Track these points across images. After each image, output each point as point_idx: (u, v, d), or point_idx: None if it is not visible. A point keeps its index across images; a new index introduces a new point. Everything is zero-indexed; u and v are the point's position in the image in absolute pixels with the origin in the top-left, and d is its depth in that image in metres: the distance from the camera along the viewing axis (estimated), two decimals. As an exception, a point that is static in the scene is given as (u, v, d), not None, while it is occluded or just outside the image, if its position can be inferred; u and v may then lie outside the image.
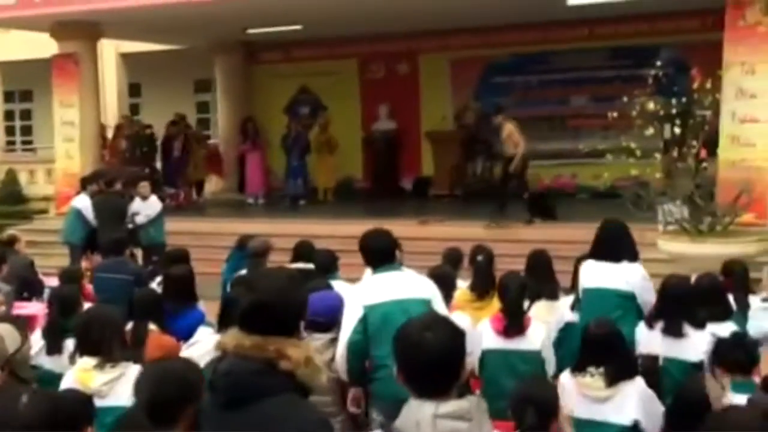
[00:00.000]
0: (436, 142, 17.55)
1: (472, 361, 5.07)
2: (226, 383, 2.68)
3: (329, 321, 5.10)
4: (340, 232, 11.48)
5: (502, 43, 17.17)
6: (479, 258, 6.48)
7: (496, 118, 13.54)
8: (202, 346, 4.86)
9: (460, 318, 5.08)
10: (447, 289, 5.51)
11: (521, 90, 17.36)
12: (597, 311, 5.61)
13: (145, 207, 11.51)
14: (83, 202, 11.73)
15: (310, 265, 6.89)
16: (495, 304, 5.83)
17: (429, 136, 17.71)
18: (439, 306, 4.95)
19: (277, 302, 2.78)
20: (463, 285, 6.44)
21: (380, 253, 5.05)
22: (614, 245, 6.04)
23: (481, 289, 6.27)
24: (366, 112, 18.44)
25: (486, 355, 5.40)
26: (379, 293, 4.86)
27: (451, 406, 2.54)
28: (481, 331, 5.45)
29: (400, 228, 9.23)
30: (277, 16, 14.79)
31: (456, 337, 2.70)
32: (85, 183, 12.19)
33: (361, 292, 4.99)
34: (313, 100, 19.18)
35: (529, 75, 17.24)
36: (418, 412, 2.52)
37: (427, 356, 2.61)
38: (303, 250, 7.34)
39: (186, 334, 5.68)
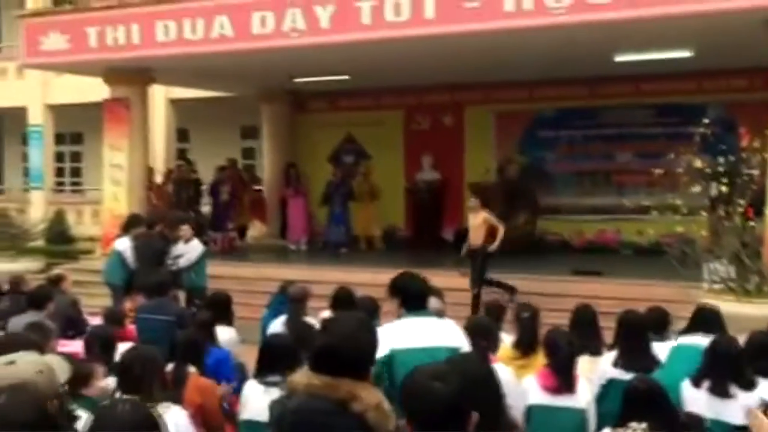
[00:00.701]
0: (478, 194, 17.51)
1: (515, 415, 5.00)
2: (295, 421, 2.72)
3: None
4: (380, 280, 11.37)
5: (548, 98, 17.22)
6: (525, 315, 6.43)
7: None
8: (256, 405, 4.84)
9: (502, 370, 5.04)
10: (488, 340, 5.46)
11: (566, 144, 17.36)
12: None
13: (188, 250, 11.60)
14: (124, 245, 11.84)
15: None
16: (539, 359, 5.78)
17: (472, 188, 17.69)
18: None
19: (349, 345, 2.86)
20: (505, 338, 6.39)
21: (412, 296, 4.86)
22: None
23: (526, 346, 6.20)
24: (410, 162, 18.52)
25: (532, 411, 5.35)
26: (408, 338, 4.69)
27: None
28: (526, 387, 5.41)
29: (441, 279, 9.25)
30: (325, 66, 14.99)
31: (465, 386, 2.70)
32: (128, 226, 12.31)
33: (390, 334, 4.73)
34: (358, 149, 19.33)
35: (575, 130, 17.23)
36: None
37: (436, 405, 2.61)
38: (342, 296, 7.34)
39: (212, 372, 5.87)
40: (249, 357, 6.80)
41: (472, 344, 4.81)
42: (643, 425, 4.42)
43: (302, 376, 2.88)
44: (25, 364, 2.88)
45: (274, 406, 2.80)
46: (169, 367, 5.45)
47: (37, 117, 23.47)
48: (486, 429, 2.91)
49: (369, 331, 3.02)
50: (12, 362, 2.87)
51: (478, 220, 12.74)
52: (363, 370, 2.89)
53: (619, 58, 13.75)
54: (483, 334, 5.27)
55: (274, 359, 5.37)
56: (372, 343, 2.99)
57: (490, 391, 3.28)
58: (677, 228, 10.96)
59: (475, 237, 12.61)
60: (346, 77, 16.14)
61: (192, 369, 5.65)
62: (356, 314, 3.33)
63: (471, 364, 3.48)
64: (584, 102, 16.89)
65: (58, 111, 23.09)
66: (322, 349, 2.89)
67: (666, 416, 4.56)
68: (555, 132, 17.42)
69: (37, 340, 4.31)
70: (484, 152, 17.92)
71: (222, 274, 13.05)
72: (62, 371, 2.99)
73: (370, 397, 2.82)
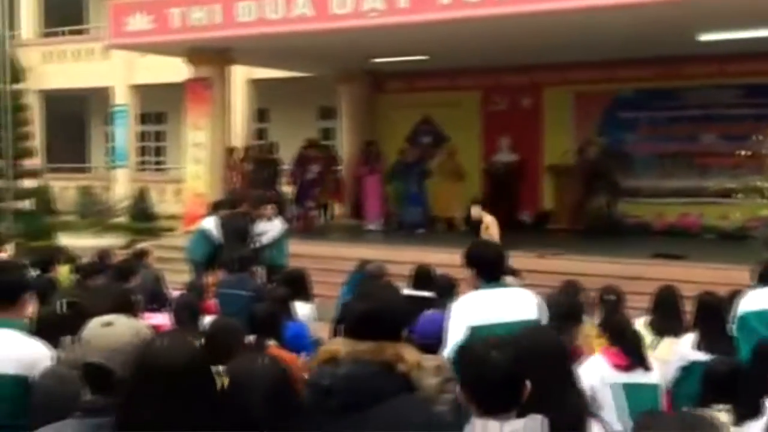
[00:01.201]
0: (557, 176, 17.40)
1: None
2: (348, 387, 2.77)
3: (439, 343, 5.09)
4: (457, 261, 11.45)
5: (629, 78, 16.91)
6: (610, 297, 6.39)
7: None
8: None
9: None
10: (572, 318, 5.43)
11: (647, 126, 17.04)
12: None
13: (269, 228, 11.80)
14: (210, 223, 12.15)
15: (426, 293, 6.92)
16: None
17: (550, 170, 17.56)
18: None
19: (389, 310, 3.03)
20: (588, 321, 6.36)
21: (488, 264, 4.76)
22: None
23: (609, 326, 6.12)
24: (487, 144, 18.42)
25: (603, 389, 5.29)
26: (485, 313, 4.59)
27: (515, 425, 2.56)
28: (594, 365, 5.37)
29: (518, 260, 9.20)
30: (403, 46, 14.99)
31: (521, 358, 2.78)
32: (216, 207, 12.67)
33: (466, 310, 4.69)
34: (435, 130, 19.28)
35: (656, 110, 16.90)
36: (483, 431, 2.55)
37: (493, 375, 2.68)
38: (421, 274, 7.37)
39: (290, 346, 5.96)
40: (325, 334, 6.91)
41: (552, 322, 4.79)
42: (727, 407, 4.36)
43: (342, 344, 2.97)
44: (122, 326, 2.92)
45: (323, 373, 2.89)
46: (249, 339, 5.54)
47: (121, 97, 24.02)
48: (552, 403, 2.95)
49: (402, 298, 3.29)
50: (110, 323, 2.92)
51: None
52: (400, 332, 3.05)
53: (703, 37, 13.43)
54: (566, 314, 5.23)
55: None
56: (406, 308, 3.24)
57: (560, 366, 3.29)
58: (763, 212, 10.70)
59: None
60: (424, 57, 16.10)
61: (271, 341, 5.75)
62: (387, 282, 3.53)
63: (544, 336, 3.53)
64: (666, 82, 16.54)
65: (142, 91, 23.58)
66: (365, 314, 3.00)
67: (749, 399, 4.49)
68: (635, 113, 17.11)
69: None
70: (563, 133, 17.71)
71: (301, 253, 13.20)
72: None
73: (412, 356, 2.93)
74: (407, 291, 7.39)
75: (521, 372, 2.74)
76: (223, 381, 3.07)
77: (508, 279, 5.39)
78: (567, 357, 3.36)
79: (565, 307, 5.71)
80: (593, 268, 12.21)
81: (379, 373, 2.79)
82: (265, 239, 11.66)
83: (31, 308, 4.13)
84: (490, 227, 12.68)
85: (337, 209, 19.18)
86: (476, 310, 4.65)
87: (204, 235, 12.05)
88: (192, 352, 2.61)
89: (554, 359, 3.25)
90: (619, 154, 16.97)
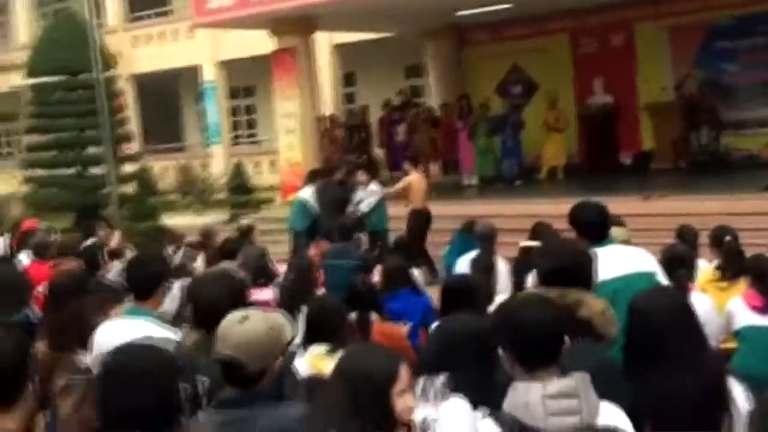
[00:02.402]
0: (656, 114, 16.85)
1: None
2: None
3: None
4: (560, 211, 11.23)
5: (724, 5, 16.19)
6: (728, 239, 6.12)
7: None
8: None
9: (701, 300, 4.82)
10: (686, 268, 5.23)
11: (747, 53, 16.33)
12: None
13: (367, 195, 11.77)
14: (308, 194, 12.19)
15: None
16: (741, 284, 5.51)
17: (648, 109, 17.02)
18: (663, 280, 4.63)
19: (576, 262, 3.48)
20: (702, 264, 6.11)
21: (589, 226, 4.62)
22: None
23: (733, 271, 5.88)
24: (579, 88, 17.95)
25: (743, 332, 5.18)
26: (603, 270, 4.31)
27: (558, 385, 2.55)
28: (732, 309, 5.24)
29: (621, 205, 8.97)
30: (486, -5, 14.70)
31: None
32: (312, 176, 12.70)
33: None
34: (525, 78, 18.91)
35: (757, 37, 16.16)
36: (526, 394, 2.54)
37: (532, 333, 2.71)
38: (540, 230, 7.28)
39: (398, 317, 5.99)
40: (435, 297, 6.84)
41: (669, 274, 4.60)
42: None
43: (536, 290, 3.42)
44: (256, 320, 3.01)
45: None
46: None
47: (209, 74, 24.33)
48: (687, 358, 2.97)
49: (584, 252, 3.64)
50: (246, 318, 3.01)
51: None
52: (588, 281, 3.43)
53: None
54: (681, 263, 5.03)
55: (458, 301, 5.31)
56: (591, 258, 3.58)
57: (690, 325, 3.16)
58: None
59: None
60: (509, 5, 15.75)
61: (373, 316, 5.70)
62: (571, 239, 4.09)
63: (670, 296, 3.44)
64: (765, 6, 15.77)
65: (229, 66, 23.83)
66: (554, 267, 3.44)
67: None
68: (735, 41, 16.40)
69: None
70: (658, 70, 17.12)
71: (399, 215, 13.15)
72: (288, 329, 3.10)
73: (596, 304, 3.26)
74: (523, 243, 7.30)
75: (559, 329, 2.79)
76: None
77: (615, 231, 5.18)
78: (695, 316, 3.19)
79: (675, 252, 5.50)
80: (701, 207, 11.77)
81: (560, 317, 2.90)
82: (364, 206, 11.64)
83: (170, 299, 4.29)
84: (412, 185, 12.22)
85: (433, 168, 19.02)
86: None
87: (302, 205, 12.10)
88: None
89: (684, 320, 3.12)
90: (719, 86, 16.32)
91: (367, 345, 4.01)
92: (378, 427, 2.51)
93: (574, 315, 3.12)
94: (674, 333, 3.01)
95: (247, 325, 2.99)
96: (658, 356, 2.99)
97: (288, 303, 5.89)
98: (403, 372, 2.57)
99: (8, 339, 2.76)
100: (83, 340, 4.36)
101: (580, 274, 3.42)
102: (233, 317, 3.07)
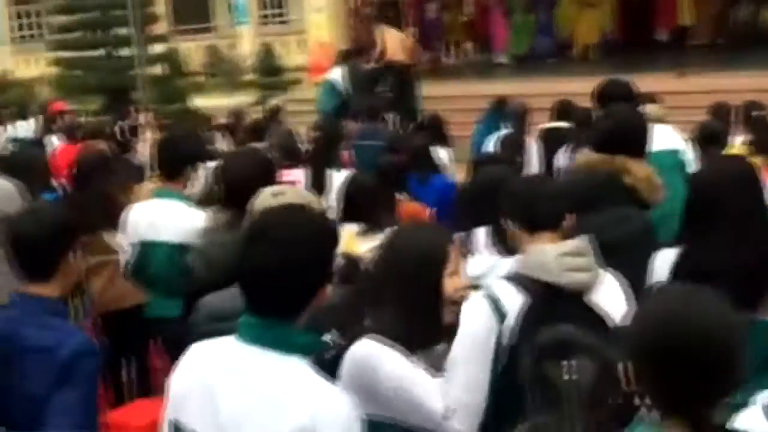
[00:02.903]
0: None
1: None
2: (570, 192, 2.94)
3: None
4: (592, 89, 11.04)
5: None
6: (755, 114, 5.98)
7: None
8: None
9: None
10: (719, 146, 5.12)
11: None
12: None
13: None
14: (337, 74, 12.01)
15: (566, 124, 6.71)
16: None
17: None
18: (690, 157, 4.53)
19: (631, 126, 3.49)
20: (736, 140, 6.00)
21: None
22: None
23: (763, 144, 5.76)
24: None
25: None
26: None
27: (570, 245, 2.64)
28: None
29: (656, 82, 8.79)
30: None
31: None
32: (343, 56, 12.49)
33: None
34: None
35: None
36: (542, 254, 2.62)
37: (538, 203, 2.75)
38: (563, 109, 7.14)
39: (432, 201, 5.95)
40: (461, 176, 6.79)
41: (704, 150, 4.52)
42: None
43: (583, 156, 3.55)
44: (291, 196, 3.02)
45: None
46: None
47: (236, -49, 23.78)
48: (746, 229, 2.87)
49: (642, 118, 3.69)
50: (281, 193, 3.04)
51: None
52: (639, 149, 3.42)
53: None
54: (715, 139, 4.93)
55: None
56: (643, 126, 3.57)
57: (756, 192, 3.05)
58: None
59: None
60: None
61: (401, 195, 5.67)
62: (632, 105, 4.10)
63: (732, 163, 3.39)
64: None
65: (258, -56, 23.27)
66: (607, 131, 3.45)
67: None
68: None
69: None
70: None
71: (432, 94, 12.99)
72: (320, 207, 3.12)
73: (641, 170, 3.29)
74: (546, 125, 7.18)
75: (564, 195, 2.85)
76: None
77: (648, 107, 5.07)
78: (757, 181, 3.06)
79: (709, 129, 5.39)
80: (738, 84, 11.52)
81: (603, 182, 3.06)
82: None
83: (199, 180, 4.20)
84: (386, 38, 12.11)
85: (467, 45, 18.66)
86: None
87: (332, 86, 11.96)
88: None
89: (750, 186, 3.00)
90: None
91: (419, 224, 3.94)
92: (426, 308, 2.51)
93: (619, 181, 3.16)
94: (736, 202, 2.88)
95: (281, 199, 2.95)
96: (715, 224, 2.90)
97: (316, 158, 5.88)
98: (453, 253, 2.57)
99: (45, 212, 2.83)
100: (110, 220, 4.38)
101: (633, 140, 3.43)
102: (267, 192, 3.05)
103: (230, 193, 3.74)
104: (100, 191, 4.79)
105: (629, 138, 3.42)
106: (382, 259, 2.69)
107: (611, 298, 2.60)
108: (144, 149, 8.72)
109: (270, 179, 3.65)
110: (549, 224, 2.70)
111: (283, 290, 1.99)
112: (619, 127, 3.42)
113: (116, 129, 9.84)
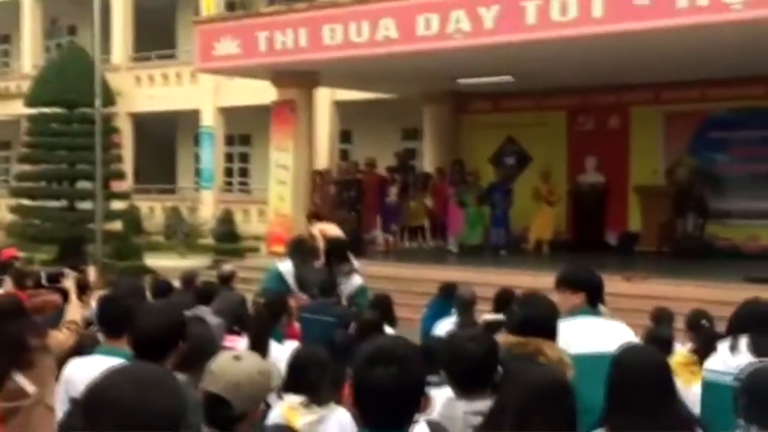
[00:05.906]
0: (645, 197, 16.99)
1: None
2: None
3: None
4: (539, 283, 11.24)
5: (722, 97, 16.46)
6: (704, 323, 6.15)
7: None
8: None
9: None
10: (668, 352, 5.25)
11: (739, 146, 16.55)
12: None
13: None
14: (287, 268, 10.39)
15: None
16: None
17: (638, 191, 17.17)
18: None
19: (544, 315, 3.90)
20: (677, 347, 6.13)
21: (597, 289, 4.68)
22: None
23: (707, 355, 5.88)
24: (572, 164, 18.13)
25: None
26: (582, 342, 4.34)
27: (479, 405, 3.11)
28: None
29: (604, 283, 8.94)
30: (488, 67, 14.88)
31: (493, 348, 3.55)
32: (294, 249, 11.28)
33: (562, 337, 4.37)
34: (519, 150, 19.08)
35: (750, 130, 16.39)
36: (452, 409, 3.25)
37: (469, 363, 3.43)
38: (505, 298, 7.22)
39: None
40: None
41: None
42: None
43: (502, 337, 3.82)
44: (249, 363, 2.99)
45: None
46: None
47: (208, 119, 24.45)
48: (662, 417, 3.11)
49: (552, 306, 4.06)
50: (239, 358, 3.00)
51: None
52: (552, 332, 3.83)
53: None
54: (660, 345, 5.04)
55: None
56: (557, 314, 4.00)
57: (665, 381, 3.27)
58: None
59: None
60: (510, 78, 15.96)
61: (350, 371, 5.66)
62: (542, 295, 4.28)
63: (646, 353, 3.54)
64: (762, 102, 16.01)
65: (229, 113, 23.96)
66: (523, 318, 3.85)
67: None
68: (728, 133, 16.64)
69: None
70: (651, 154, 17.32)
71: (382, 275, 13.15)
72: (275, 377, 3.12)
73: (553, 352, 3.65)
74: (487, 316, 7.24)
75: (492, 360, 3.44)
76: None
77: (600, 307, 5.20)
78: (671, 372, 3.35)
79: (658, 335, 5.52)
80: (682, 292, 11.83)
81: (492, 351, 3.44)
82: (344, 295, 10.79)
83: None
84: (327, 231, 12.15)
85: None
86: (572, 338, 4.32)
87: (280, 277, 11.45)
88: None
89: (659, 375, 3.25)
90: (709, 175, 16.51)
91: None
92: None
93: (534, 362, 3.50)
94: (650, 388, 3.14)
95: (242, 365, 2.96)
96: (632, 407, 3.13)
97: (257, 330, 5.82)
98: None
99: None
100: (19, 363, 4.32)
101: (547, 325, 3.84)
102: (227, 355, 3.04)
103: (137, 346, 3.65)
104: (11, 334, 4.63)
105: (543, 325, 3.82)
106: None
107: None
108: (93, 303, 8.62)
109: (179, 336, 3.61)
110: (475, 385, 3.35)
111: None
112: (539, 317, 3.85)
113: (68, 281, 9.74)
